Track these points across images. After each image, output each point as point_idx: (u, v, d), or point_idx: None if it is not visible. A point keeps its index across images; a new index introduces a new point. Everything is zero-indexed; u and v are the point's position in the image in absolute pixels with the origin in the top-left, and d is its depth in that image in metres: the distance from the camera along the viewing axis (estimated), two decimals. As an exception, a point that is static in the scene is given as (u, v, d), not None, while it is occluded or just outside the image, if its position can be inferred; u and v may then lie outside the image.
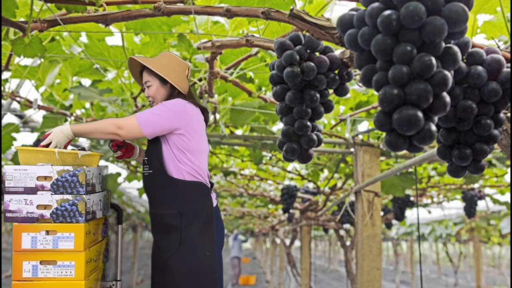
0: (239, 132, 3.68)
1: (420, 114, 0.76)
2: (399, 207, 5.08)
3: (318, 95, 1.17)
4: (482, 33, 1.62)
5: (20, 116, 3.54)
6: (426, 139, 0.78)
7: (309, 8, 1.55)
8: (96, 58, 2.32)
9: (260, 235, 20.89)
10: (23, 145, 1.87)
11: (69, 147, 1.87)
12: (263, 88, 2.62)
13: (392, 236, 15.06)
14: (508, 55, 0.98)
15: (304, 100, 1.17)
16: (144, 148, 2.08)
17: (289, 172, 5.14)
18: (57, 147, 1.78)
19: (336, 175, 4.88)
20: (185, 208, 1.89)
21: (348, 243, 5.57)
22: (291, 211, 5.53)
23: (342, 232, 6.27)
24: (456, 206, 8.86)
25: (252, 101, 2.75)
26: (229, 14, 1.34)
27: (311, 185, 5.74)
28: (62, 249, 1.67)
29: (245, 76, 2.40)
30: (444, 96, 0.79)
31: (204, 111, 2.03)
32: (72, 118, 3.03)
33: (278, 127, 3.47)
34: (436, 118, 0.81)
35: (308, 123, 1.18)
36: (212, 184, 2.01)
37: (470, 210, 5.15)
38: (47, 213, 1.69)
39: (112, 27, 1.75)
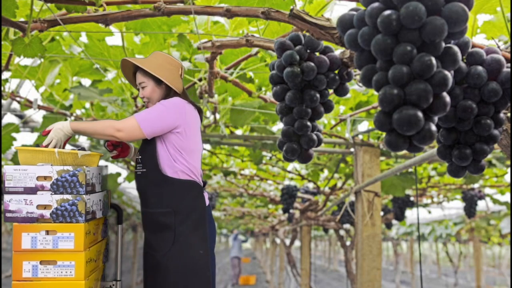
0: (239, 132, 3.68)
1: (420, 114, 0.76)
2: (399, 207, 5.08)
3: (318, 95, 1.17)
4: (482, 33, 1.62)
5: (20, 116, 3.54)
6: (426, 139, 0.78)
7: (309, 8, 1.55)
8: (96, 58, 2.32)
9: (260, 235, 20.90)
10: (23, 145, 1.88)
11: (69, 147, 1.87)
12: (263, 88, 2.62)
13: (392, 236, 15.06)
14: (508, 55, 0.98)
15: (304, 100, 1.17)
16: (137, 147, 2.08)
17: (289, 172, 5.14)
18: (57, 146, 1.78)
19: (336, 175, 4.88)
20: (179, 206, 1.89)
21: (348, 243, 5.56)
22: (291, 211, 5.53)
23: (342, 232, 6.27)
24: (456, 206, 8.86)
25: (252, 101, 2.75)
26: (229, 14, 1.34)
27: (311, 185, 5.74)
28: (62, 249, 1.67)
29: (245, 76, 2.40)
30: (444, 96, 0.79)
31: (200, 111, 2.03)
32: (72, 118, 3.03)
33: (278, 127, 3.47)
34: (436, 118, 0.81)
35: (308, 123, 1.18)
36: (205, 183, 2.01)
37: (470, 210, 5.15)
38: (47, 213, 1.69)
39: (112, 27, 1.75)
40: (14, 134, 3.01)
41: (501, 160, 3.88)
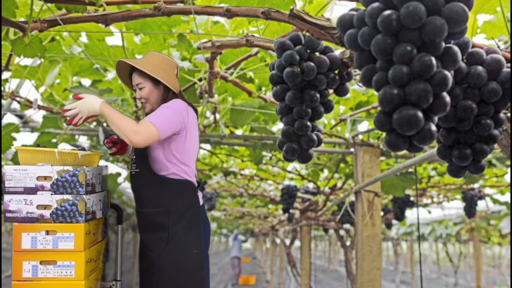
0: (239, 132, 3.68)
1: (420, 114, 0.76)
2: (399, 207, 5.08)
3: (318, 95, 1.17)
4: (482, 33, 1.62)
5: (20, 116, 3.54)
6: (426, 139, 0.78)
7: (309, 8, 1.55)
8: (96, 58, 2.32)
9: (260, 235, 20.89)
10: (23, 145, 1.87)
11: (69, 147, 1.87)
12: (263, 88, 2.62)
13: (392, 236, 15.06)
14: (508, 55, 0.98)
15: (304, 100, 1.17)
16: None
17: (289, 172, 5.14)
18: (76, 117, 1.80)
19: (336, 175, 4.88)
20: (173, 206, 1.89)
21: (348, 243, 5.56)
22: (291, 211, 5.53)
23: (342, 232, 6.27)
24: (456, 206, 8.85)
25: (252, 101, 2.75)
26: (229, 14, 1.34)
27: (311, 185, 5.74)
28: (62, 249, 1.67)
29: (245, 76, 2.40)
30: (444, 96, 0.79)
31: (196, 111, 2.03)
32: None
33: (278, 127, 3.47)
34: (436, 118, 0.81)
35: (308, 123, 1.18)
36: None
37: (470, 210, 5.15)
38: (47, 213, 1.69)
39: (112, 27, 1.74)
40: (14, 134, 3.01)
41: (501, 160, 3.88)
